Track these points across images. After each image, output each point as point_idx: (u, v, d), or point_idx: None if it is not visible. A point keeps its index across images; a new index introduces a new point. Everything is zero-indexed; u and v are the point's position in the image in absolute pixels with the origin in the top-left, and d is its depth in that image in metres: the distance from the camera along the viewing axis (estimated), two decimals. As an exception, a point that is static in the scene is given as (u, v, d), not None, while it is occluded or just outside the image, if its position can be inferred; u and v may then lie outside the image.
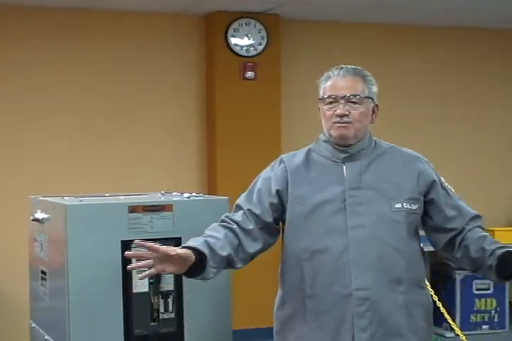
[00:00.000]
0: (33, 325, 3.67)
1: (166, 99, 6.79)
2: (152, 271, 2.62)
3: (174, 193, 3.53)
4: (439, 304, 5.82)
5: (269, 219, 2.95)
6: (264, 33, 6.78)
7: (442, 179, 3.03)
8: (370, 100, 2.96)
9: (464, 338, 5.60)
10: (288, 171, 2.98)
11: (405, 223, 2.88)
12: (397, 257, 2.86)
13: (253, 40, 6.75)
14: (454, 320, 5.92)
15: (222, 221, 2.95)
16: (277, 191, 2.96)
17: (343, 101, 2.89)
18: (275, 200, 2.96)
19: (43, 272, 3.45)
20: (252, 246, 2.93)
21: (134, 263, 2.68)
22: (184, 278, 2.86)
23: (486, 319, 7.05)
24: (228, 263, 2.87)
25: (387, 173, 2.94)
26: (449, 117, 7.68)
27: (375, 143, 3.03)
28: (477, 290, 7.01)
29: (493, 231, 7.00)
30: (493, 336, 6.94)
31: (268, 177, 3.01)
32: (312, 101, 7.04)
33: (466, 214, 2.99)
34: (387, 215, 2.85)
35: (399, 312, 2.86)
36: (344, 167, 2.93)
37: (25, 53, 6.39)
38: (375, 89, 2.98)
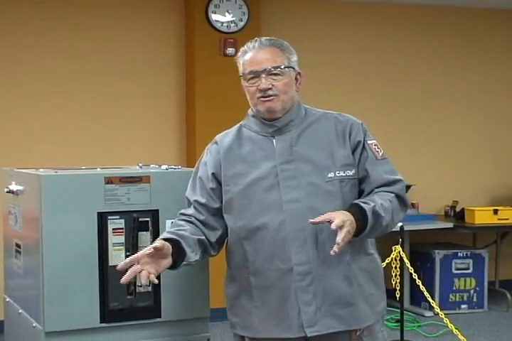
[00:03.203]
0: (8, 300, 3.60)
1: (146, 75, 6.71)
2: (146, 273, 2.58)
3: (152, 165, 3.46)
4: (419, 283, 5.82)
5: (216, 204, 2.91)
6: (245, 9, 6.69)
7: (372, 141, 2.89)
8: (292, 69, 2.87)
9: (443, 317, 5.59)
10: (221, 151, 2.93)
11: (341, 192, 2.79)
12: None
13: (234, 16, 6.67)
14: (433, 299, 5.89)
15: (179, 217, 2.92)
16: (212, 174, 2.91)
17: (264, 75, 2.81)
18: (214, 185, 2.91)
19: (17, 245, 3.38)
20: (212, 235, 2.90)
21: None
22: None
23: (465, 298, 7.06)
24: (204, 247, 2.86)
25: (319, 142, 2.84)
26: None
27: (306, 111, 2.93)
28: (456, 269, 7.01)
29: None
30: (472, 315, 6.94)
31: (204, 162, 2.97)
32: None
33: (376, 178, 2.84)
34: (321, 187, 2.76)
35: (346, 282, 2.81)
36: (274, 141, 2.86)
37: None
38: (294, 57, 2.90)
